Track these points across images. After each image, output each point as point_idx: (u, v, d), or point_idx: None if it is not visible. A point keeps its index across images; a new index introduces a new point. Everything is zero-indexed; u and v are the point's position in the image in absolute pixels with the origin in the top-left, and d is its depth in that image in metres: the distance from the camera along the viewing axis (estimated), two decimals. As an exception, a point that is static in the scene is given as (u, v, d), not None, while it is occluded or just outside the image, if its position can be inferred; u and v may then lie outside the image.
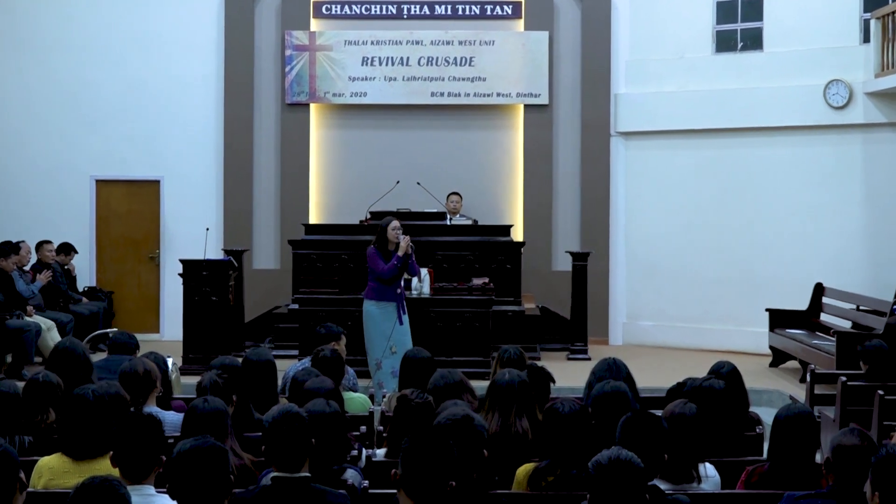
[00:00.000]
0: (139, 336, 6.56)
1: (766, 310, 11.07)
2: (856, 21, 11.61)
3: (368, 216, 11.36)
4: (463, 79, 12.59)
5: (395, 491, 3.40)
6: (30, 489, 3.68)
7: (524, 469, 4.14)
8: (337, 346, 6.45)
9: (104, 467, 3.75)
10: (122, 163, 12.71)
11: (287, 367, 6.69)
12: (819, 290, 11.10)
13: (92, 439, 3.99)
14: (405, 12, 12.70)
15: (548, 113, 12.61)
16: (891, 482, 3.21)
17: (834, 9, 11.64)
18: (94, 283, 12.61)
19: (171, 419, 4.97)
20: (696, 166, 12.26)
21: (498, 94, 12.60)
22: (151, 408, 4.95)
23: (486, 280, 10.56)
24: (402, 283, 9.06)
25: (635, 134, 12.59)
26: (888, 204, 11.41)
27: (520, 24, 12.67)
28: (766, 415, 5.69)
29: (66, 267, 12.02)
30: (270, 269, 12.54)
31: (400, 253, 8.62)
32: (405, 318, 8.80)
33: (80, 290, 12.16)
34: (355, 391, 6.34)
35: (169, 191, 12.74)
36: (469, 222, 11.80)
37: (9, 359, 10.18)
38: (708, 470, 4.26)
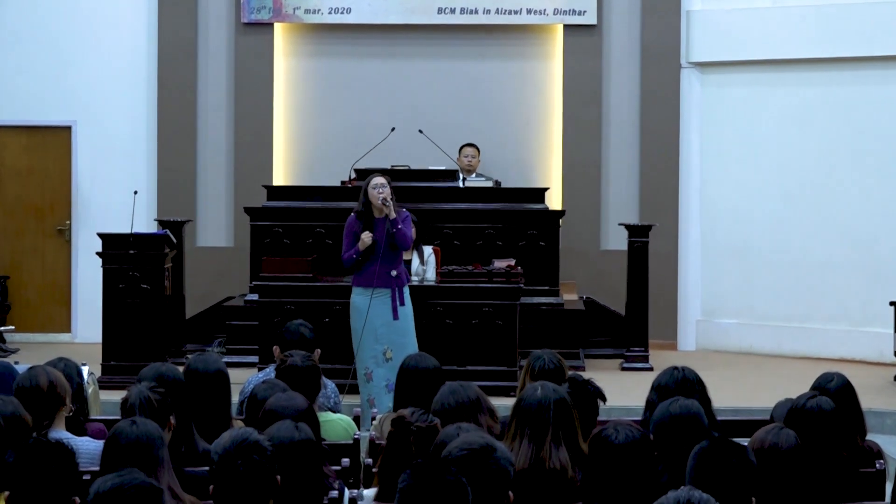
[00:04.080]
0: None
1: (892, 303, 11.06)
2: None
3: (353, 176, 11.35)
4: (481, -10, 12.57)
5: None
6: None
7: (563, 517, 4.15)
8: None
9: (-3, 512, 3.77)
10: (20, 103, 12.71)
11: (244, 379, 6.70)
12: (963, 277, 11.10)
13: (-19, 475, 4.00)
14: None
15: (596, 36, 12.56)
16: None
17: None
18: (-19, 266, 12.68)
19: (87, 448, 4.99)
20: (799, 110, 12.20)
21: (528, 11, 12.55)
22: (60, 433, 4.96)
23: (512, 262, 10.57)
24: (402, 261, 8.99)
25: (715, 65, 12.54)
26: None
27: (559, -84, 12.65)
28: (891, 445, 5.69)
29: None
30: (221, 248, 12.57)
31: (360, 246, 8.59)
32: (404, 310, 8.78)
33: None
34: (336, 411, 6.36)
35: (84, 141, 12.74)
36: (489, 184, 11.79)
37: None
38: (811, 519, 4.27)
